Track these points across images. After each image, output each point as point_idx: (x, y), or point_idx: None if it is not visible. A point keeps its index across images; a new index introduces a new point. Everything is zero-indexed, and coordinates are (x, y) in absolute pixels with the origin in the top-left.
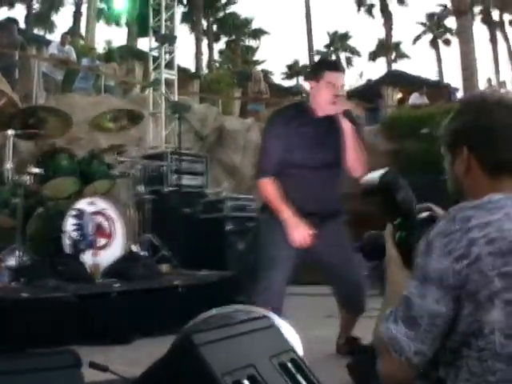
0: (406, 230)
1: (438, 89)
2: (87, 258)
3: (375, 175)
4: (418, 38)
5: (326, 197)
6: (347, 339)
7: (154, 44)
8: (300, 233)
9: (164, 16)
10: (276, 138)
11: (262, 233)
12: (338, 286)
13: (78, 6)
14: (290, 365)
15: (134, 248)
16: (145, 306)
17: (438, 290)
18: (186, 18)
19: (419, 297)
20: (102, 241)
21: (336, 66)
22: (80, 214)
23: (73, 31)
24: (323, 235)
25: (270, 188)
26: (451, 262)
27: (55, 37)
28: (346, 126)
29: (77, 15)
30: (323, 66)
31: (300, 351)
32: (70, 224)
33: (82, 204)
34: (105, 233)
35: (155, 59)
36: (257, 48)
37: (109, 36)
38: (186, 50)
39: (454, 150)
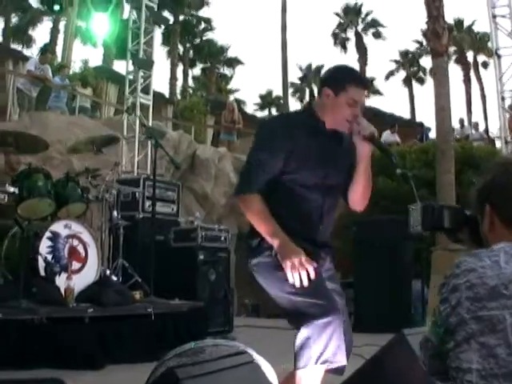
0: None
1: (410, 127)
2: (61, 281)
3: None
4: (390, 74)
5: (327, 227)
6: None
7: (131, 67)
8: (301, 264)
9: (142, 40)
10: (274, 149)
11: (270, 278)
12: None
13: (55, 22)
14: None
15: (108, 273)
16: (117, 332)
17: (431, 321)
18: (164, 41)
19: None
20: (76, 264)
21: (362, 81)
22: (55, 237)
23: (49, 48)
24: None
25: (257, 205)
26: (438, 302)
27: (32, 52)
28: (364, 150)
29: (54, 32)
30: (349, 77)
31: None
32: (44, 246)
33: (57, 227)
34: (79, 257)
35: (131, 83)
36: (231, 77)
37: (85, 55)
38: (160, 74)
39: (481, 210)
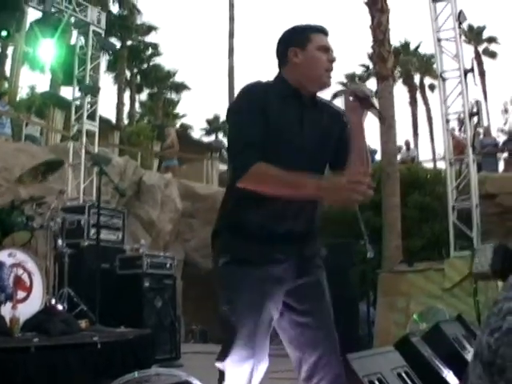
0: None
1: None
2: (6, 310)
3: None
4: (335, 96)
5: (309, 219)
6: None
7: (78, 94)
8: (350, 187)
9: (89, 66)
10: (256, 112)
11: (231, 292)
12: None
13: (3, 48)
14: None
15: (53, 302)
16: (64, 361)
17: (479, 366)
18: (110, 67)
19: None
20: (21, 294)
21: (323, 28)
22: None
23: None
24: (304, 286)
25: (272, 171)
26: (486, 334)
27: None
28: (355, 113)
29: (1, 58)
30: (308, 28)
31: None
32: None
33: (2, 255)
34: (24, 286)
35: (78, 109)
36: (178, 101)
37: (33, 81)
38: (108, 100)
39: None
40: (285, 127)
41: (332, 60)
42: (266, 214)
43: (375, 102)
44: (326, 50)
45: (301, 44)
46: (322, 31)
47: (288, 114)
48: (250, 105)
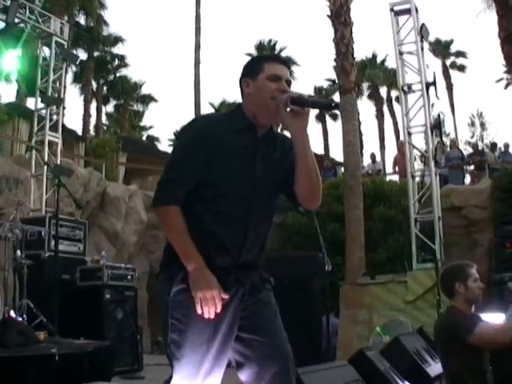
0: None
1: (322, 163)
2: None
3: None
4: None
5: (253, 246)
6: None
7: (41, 105)
8: (212, 300)
9: (52, 77)
10: (197, 151)
11: (180, 323)
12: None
13: None
14: None
15: (12, 313)
16: (21, 373)
17: None
18: (77, 78)
19: None
20: None
21: (279, 57)
22: None
23: None
24: (252, 312)
25: (176, 220)
26: None
27: None
28: (295, 123)
29: None
30: (263, 57)
31: None
32: None
33: None
34: None
35: (41, 120)
36: (143, 112)
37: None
38: (74, 111)
39: None
40: (237, 162)
41: (282, 89)
42: (214, 245)
43: (315, 98)
44: (277, 78)
45: (253, 74)
46: (278, 60)
47: (241, 149)
48: (195, 144)
